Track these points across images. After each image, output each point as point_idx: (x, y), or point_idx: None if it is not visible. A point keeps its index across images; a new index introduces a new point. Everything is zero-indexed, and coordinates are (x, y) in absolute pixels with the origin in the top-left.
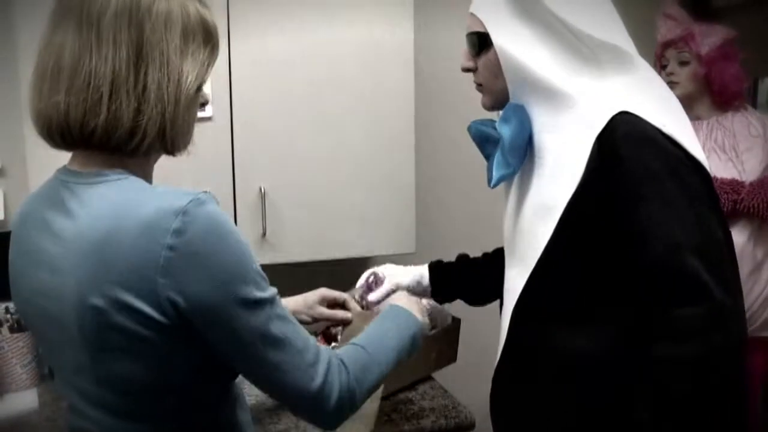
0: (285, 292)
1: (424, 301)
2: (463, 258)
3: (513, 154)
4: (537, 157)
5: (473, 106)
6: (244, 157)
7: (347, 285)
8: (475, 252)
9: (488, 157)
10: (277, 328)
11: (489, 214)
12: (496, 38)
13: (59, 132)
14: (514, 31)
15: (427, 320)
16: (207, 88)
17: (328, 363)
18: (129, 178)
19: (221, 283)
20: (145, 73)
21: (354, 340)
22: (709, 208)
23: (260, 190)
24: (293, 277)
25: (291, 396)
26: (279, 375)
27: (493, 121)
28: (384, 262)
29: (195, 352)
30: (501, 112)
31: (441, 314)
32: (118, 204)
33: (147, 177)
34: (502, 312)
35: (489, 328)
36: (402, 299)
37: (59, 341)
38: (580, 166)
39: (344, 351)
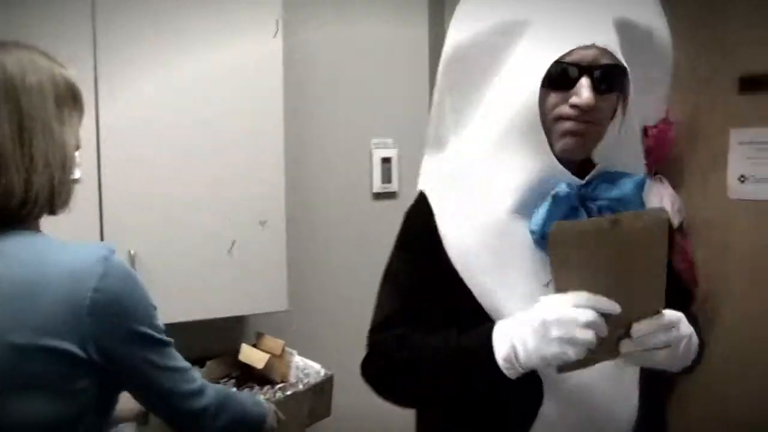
0: None
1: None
2: None
3: None
4: None
5: (343, 159)
6: (114, 220)
7: (221, 345)
8: (352, 305)
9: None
10: (173, 361)
11: (366, 267)
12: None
13: None
14: (634, 77)
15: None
16: None
17: (204, 387)
18: (41, 232)
19: (137, 321)
20: (31, 144)
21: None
22: None
23: (129, 253)
24: None
25: (181, 416)
26: (174, 399)
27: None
28: (257, 321)
29: (100, 390)
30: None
31: (313, 369)
32: (40, 253)
33: None
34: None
35: (360, 383)
36: None
37: None
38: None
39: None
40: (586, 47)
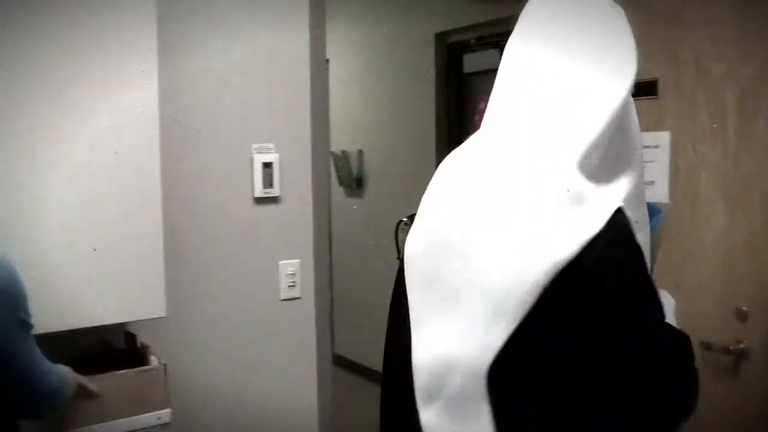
0: None
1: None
2: None
3: None
4: None
5: (223, 164)
6: None
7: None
8: (233, 310)
9: None
10: (34, 343)
11: (247, 272)
12: None
13: None
14: None
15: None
16: None
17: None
18: None
19: (23, 307)
20: None
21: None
22: None
23: None
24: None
25: (37, 392)
26: (35, 377)
27: None
28: (136, 328)
29: None
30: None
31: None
32: None
33: None
34: None
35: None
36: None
37: None
38: None
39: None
40: None
